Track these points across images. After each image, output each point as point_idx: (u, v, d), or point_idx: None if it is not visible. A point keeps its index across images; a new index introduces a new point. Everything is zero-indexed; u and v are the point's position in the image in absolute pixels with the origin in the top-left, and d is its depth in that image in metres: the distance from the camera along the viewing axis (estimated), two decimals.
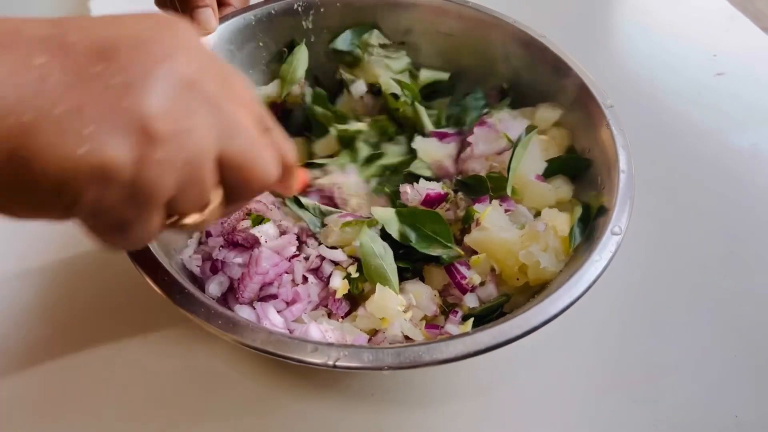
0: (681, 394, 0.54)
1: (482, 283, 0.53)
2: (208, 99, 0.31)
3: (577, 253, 0.50)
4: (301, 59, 0.65)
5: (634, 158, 0.52)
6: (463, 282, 0.52)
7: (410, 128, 0.65)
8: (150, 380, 0.52)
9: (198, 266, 0.54)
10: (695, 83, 0.82)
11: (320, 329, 0.49)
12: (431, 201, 0.57)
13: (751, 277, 0.62)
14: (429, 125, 0.64)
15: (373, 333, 0.51)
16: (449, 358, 0.41)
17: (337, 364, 0.40)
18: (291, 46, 0.66)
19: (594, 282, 0.44)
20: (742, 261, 0.63)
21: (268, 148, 0.35)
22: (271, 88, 0.65)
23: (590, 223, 0.51)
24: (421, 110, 0.64)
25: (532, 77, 0.63)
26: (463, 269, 0.53)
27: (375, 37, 0.67)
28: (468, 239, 0.54)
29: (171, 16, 0.33)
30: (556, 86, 0.60)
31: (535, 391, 0.53)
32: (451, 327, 0.51)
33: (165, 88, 0.29)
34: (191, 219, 0.33)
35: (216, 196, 0.34)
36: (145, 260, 0.45)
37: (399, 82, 0.65)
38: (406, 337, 0.50)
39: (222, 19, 0.61)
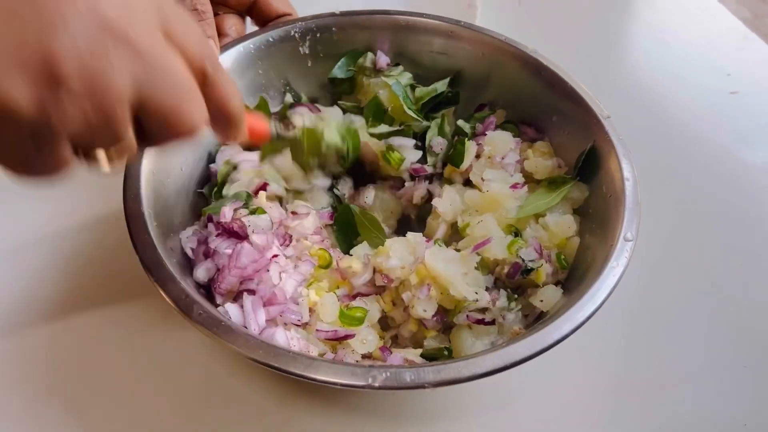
0: (691, 402, 0.55)
1: None
2: (128, 42, 0.30)
3: (587, 262, 0.52)
4: None
5: (649, 174, 0.52)
6: None
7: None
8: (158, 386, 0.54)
9: (192, 248, 0.55)
10: (709, 101, 0.84)
11: (287, 336, 0.50)
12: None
13: (763, 289, 0.64)
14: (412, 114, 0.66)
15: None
16: (488, 371, 0.42)
17: (381, 385, 0.41)
18: None
19: (616, 285, 0.47)
20: (754, 274, 0.65)
21: (196, 97, 0.34)
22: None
23: None
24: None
25: (527, 93, 0.64)
26: None
27: (370, 60, 0.68)
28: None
29: None
30: (551, 100, 0.62)
31: (546, 400, 0.55)
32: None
33: (78, 28, 0.28)
34: (104, 154, 0.33)
35: (131, 136, 0.33)
36: (179, 298, 0.45)
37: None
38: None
39: (222, 49, 0.61)
